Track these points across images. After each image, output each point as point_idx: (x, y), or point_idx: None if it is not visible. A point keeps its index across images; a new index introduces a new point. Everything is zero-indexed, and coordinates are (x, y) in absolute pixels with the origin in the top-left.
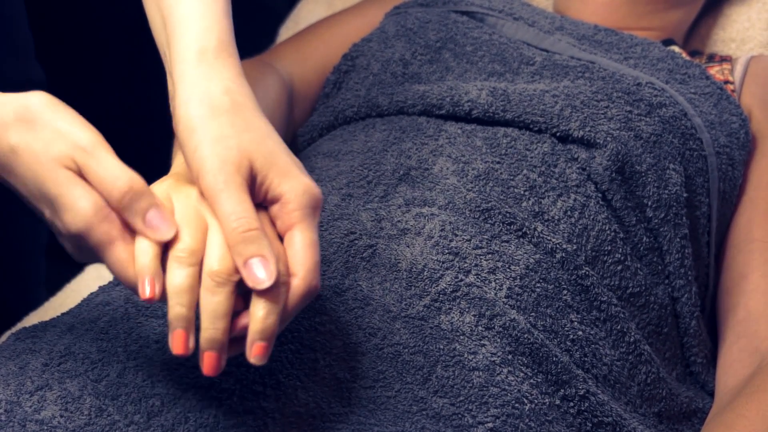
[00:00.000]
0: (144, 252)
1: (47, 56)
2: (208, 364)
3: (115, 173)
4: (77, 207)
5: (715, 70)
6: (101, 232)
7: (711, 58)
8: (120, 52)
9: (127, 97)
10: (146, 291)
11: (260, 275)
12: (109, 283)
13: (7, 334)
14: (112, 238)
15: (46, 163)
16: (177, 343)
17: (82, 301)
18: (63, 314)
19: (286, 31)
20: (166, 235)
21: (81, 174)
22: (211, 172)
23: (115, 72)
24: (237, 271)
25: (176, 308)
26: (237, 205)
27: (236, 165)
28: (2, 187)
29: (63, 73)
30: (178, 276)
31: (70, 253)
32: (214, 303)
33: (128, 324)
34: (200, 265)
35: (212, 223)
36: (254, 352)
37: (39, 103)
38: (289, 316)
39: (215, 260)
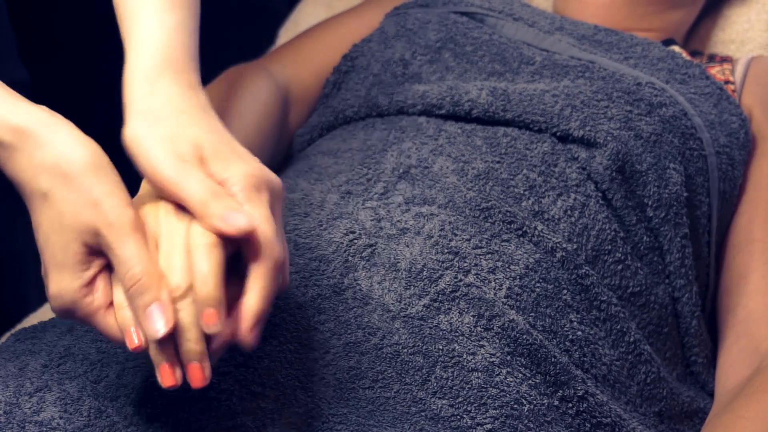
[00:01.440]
0: (122, 305)
1: (30, 55)
2: (193, 376)
3: (131, 262)
4: (65, 283)
5: (715, 71)
6: (85, 304)
7: (711, 58)
8: (104, 51)
9: (111, 96)
10: (134, 341)
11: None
12: None
13: (7, 335)
14: (97, 307)
15: (67, 228)
16: (165, 376)
17: None
18: None
19: (285, 32)
20: (159, 334)
21: (96, 250)
22: (168, 166)
23: (99, 71)
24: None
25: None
26: (202, 190)
27: (191, 155)
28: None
29: (46, 72)
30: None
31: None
32: (180, 318)
33: None
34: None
35: (173, 240)
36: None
37: (82, 162)
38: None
39: (171, 277)
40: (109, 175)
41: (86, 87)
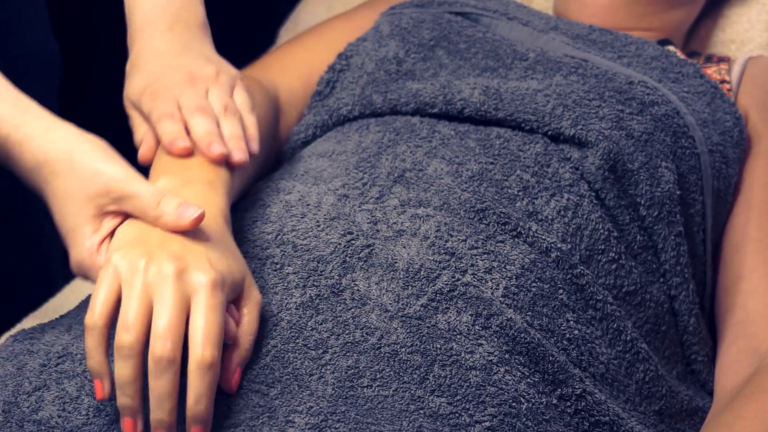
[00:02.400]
0: (91, 356)
1: (62, 28)
2: None
3: (148, 191)
4: (78, 245)
5: (712, 70)
6: (96, 263)
7: (709, 58)
8: None
9: None
10: (98, 393)
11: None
12: None
13: (6, 335)
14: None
15: (78, 200)
16: (126, 430)
17: (80, 302)
18: (61, 316)
19: (285, 32)
20: (195, 215)
21: (105, 212)
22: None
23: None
24: (178, 353)
25: (121, 399)
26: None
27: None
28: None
29: (77, 45)
30: (121, 368)
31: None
32: (158, 386)
33: None
34: (143, 353)
35: (158, 299)
36: None
37: (79, 148)
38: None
39: (157, 345)
40: (108, 151)
41: (115, 59)
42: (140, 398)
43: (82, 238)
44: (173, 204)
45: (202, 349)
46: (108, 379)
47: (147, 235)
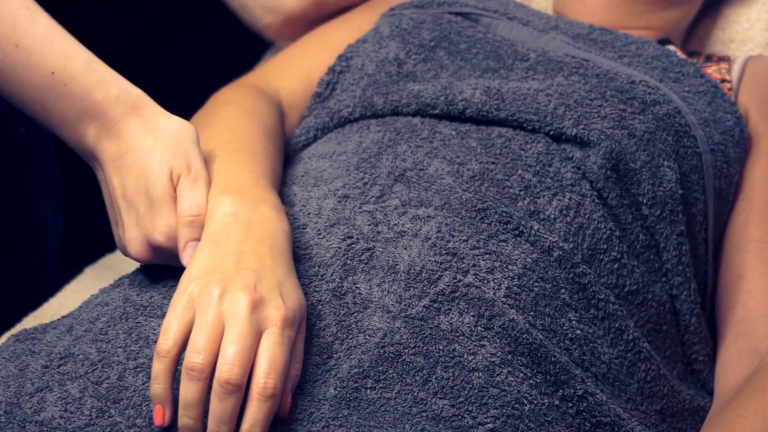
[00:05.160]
0: (158, 381)
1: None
2: None
3: (193, 203)
4: (168, 216)
5: (712, 70)
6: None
7: (709, 58)
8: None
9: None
10: (157, 419)
11: None
12: (109, 285)
13: (7, 335)
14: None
15: (154, 169)
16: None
17: (82, 303)
18: (63, 317)
19: None
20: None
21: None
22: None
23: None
24: (244, 379)
25: (183, 419)
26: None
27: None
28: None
29: None
30: (187, 390)
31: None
32: (220, 409)
33: (127, 324)
34: (210, 378)
35: (230, 327)
36: None
37: (181, 128)
38: None
39: (225, 369)
40: (198, 145)
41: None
42: (201, 421)
43: (170, 210)
44: (184, 235)
45: (265, 379)
46: (170, 406)
47: (222, 263)
